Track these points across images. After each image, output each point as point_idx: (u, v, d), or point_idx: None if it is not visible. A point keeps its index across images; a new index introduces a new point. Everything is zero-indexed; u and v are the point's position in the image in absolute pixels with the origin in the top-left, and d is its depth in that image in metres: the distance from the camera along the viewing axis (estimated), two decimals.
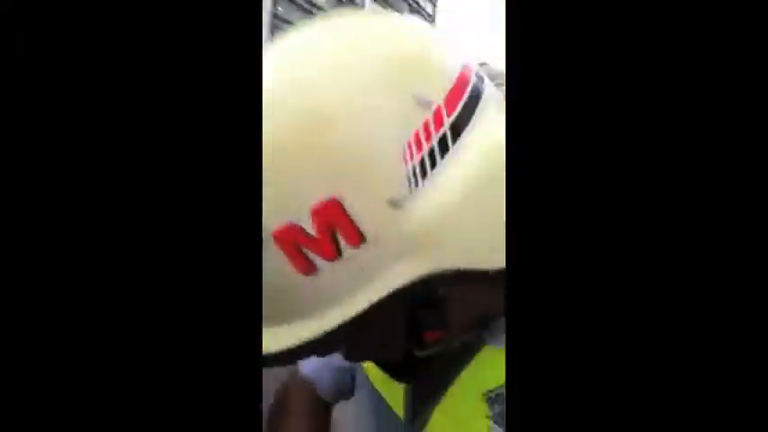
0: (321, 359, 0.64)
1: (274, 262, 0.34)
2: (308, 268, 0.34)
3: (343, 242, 0.33)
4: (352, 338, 0.37)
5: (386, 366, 0.47)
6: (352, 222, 0.33)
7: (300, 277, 0.34)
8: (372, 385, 0.53)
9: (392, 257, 0.34)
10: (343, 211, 0.33)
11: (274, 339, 0.36)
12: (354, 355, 0.43)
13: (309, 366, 0.66)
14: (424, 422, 0.46)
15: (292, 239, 0.33)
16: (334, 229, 0.33)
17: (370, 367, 0.54)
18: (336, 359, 0.61)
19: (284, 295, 0.35)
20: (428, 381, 0.46)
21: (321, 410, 0.66)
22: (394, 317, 0.38)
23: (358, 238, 0.33)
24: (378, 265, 0.34)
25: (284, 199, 0.33)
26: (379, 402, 0.52)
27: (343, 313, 0.35)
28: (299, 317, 0.36)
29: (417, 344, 0.39)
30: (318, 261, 0.34)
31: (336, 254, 0.33)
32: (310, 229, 0.33)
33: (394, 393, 0.50)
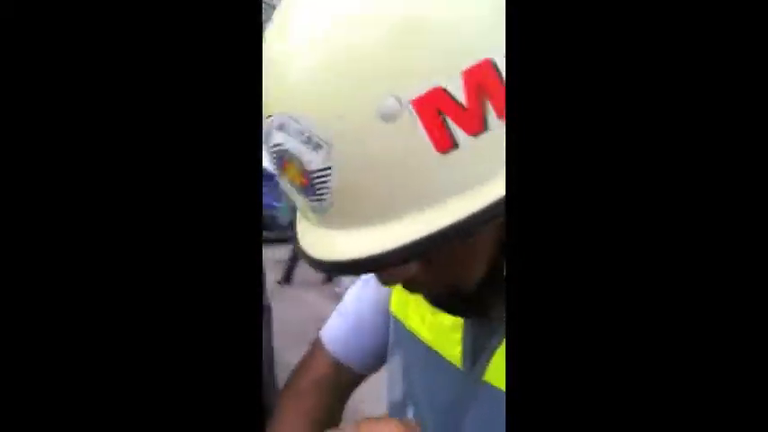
0: (346, 328, 0.61)
1: (406, 136, 0.29)
2: (449, 143, 0.29)
3: (492, 113, 0.30)
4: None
5: (442, 301, 0.42)
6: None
7: (434, 156, 0.30)
8: (417, 339, 0.50)
9: None
10: (497, 73, 0.29)
11: (382, 237, 0.31)
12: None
13: (330, 334, 0.63)
14: (484, 368, 0.43)
15: (437, 107, 0.29)
16: (485, 95, 0.29)
17: (413, 321, 0.52)
18: (366, 339, 0.60)
19: (407, 180, 0.30)
20: (486, 322, 0.43)
21: (338, 376, 0.62)
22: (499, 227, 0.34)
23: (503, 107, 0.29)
24: None
25: (431, 59, 0.28)
26: (427, 355, 0.49)
27: (467, 207, 0.30)
28: (416, 208, 0.31)
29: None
30: (460, 135, 0.29)
31: (483, 127, 0.30)
32: (459, 95, 0.29)
33: (448, 343, 0.47)
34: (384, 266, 0.33)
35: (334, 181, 0.31)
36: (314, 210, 0.34)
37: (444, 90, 0.29)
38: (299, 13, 0.31)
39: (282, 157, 0.32)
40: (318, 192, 0.32)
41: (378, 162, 0.30)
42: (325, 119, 0.30)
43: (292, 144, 0.31)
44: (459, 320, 0.46)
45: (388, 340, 0.58)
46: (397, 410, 0.53)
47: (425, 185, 0.31)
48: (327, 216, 0.33)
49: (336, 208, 0.32)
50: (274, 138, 0.32)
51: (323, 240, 0.34)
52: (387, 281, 0.38)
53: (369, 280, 0.62)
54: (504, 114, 0.30)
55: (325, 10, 0.30)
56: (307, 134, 0.30)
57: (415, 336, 0.52)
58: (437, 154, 0.30)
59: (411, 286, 0.40)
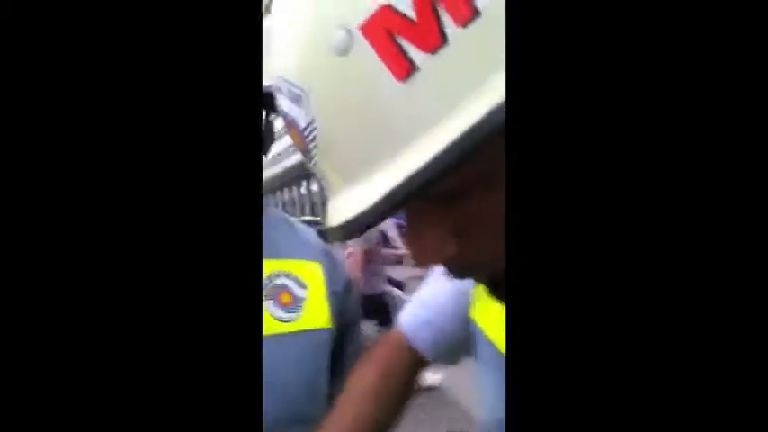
0: (423, 316, 0.60)
1: (363, 67, 0.27)
2: (406, 68, 0.27)
3: (449, 22, 0.26)
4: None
5: (497, 287, 0.39)
6: None
7: (395, 86, 0.27)
8: (492, 344, 0.48)
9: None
10: None
11: (364, 193, 0.30)
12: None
13: (407, 321, 0.61)
14: None
15: (386, 28, 0.26)
16: (438, 3, 0.26)
17: (486, 324, 0.50)
18: (439, 318, 0.59)
19: (376, 119, 0.28)
20: None
21: (406, 363, 0.60)
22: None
23: (469, 10, 0.26)
24: (492, 60, 0.26)
25: None
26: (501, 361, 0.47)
27: (443, 138, 0.27)
28: (392, 152, 0.29)
29: None
30: (418, 56, 0.27)
31: (441, 40, 0.26)
32: (407, 9, 0.26)
33: None
34: (371, 224, 0.30)
35: (318, 134, 0.30)
36: (317, 173, 0.33)
37: (390, 7, 0.26)
38: None
39: (287, 123, 0.32)
40: (313, 150, 0.31)
41: (343, 102, 0.29)
42: (297, 68, 0.30)
43: (286, 104, 0.31)
44: None
45: (460, 332, 0.56)
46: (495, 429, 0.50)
47: (396, 121, 0.28)
48: (329, 179, 0.33)
49: (326, 168, 0.32)
50: (279, 105, 0.32)
51: (331, 209, 0.33)
52: (423, 260, 0.36)
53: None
54: (465, 23, 0.26)
55: None
56: (291, 89, 0.30)
57: (489, 341, 0.49)
58: (398, 83, 0.27)
59: (457, 268, 0.37)
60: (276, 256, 0.58)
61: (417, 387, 0.64)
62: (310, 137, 0.31)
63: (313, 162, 0.32)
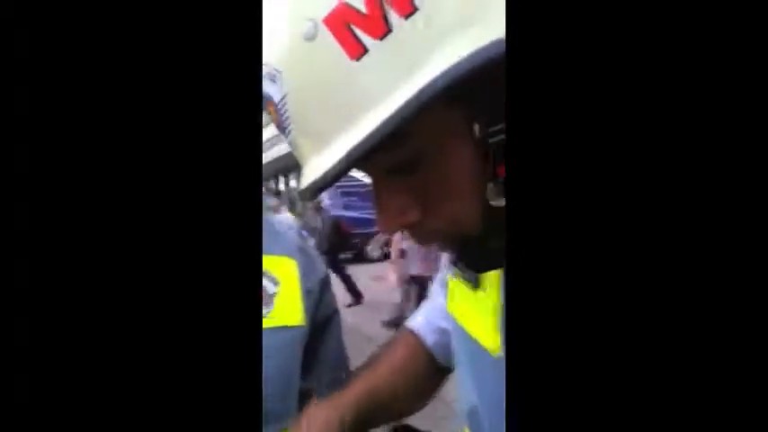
0: (426, 318, 0.63)
1: (325, 51, 0.34)
2: (359, 50, 0.33)
3: (393, 15, 0.33)
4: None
5: (459, 253, 0.45)
6: None
7: (350, 64, 0.33)
8: (464, 332, 0.51)
9: (446, 33, 0.33)
10: None
11: (327, 157, 0.35)
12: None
13: (414, 321, 0.65)
14: None
15: (344, 20, 0.33)
16: (384, 0, 0.33)
17: (462, 317, 0.52)
18: (439, 319, 0.61)
19: (336, 93, 0.34)
20: None
21: (416, 359, 0.63)
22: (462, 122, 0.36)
23: (410, 6, 0.33)
24: (429, 45, 0.33)
25: None
26: (472, 347, 0.49)
27: (389, 107, 0.33)
28: (348, 121, 0.35)
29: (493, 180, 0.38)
30: (368, 41, 0.33)
31: (386, 29, 0.33)
32: (360, 5, 0.33)
33: (485, 331, 0.47)
34: (333, 181, 0.36)
35: (290, 109, 0.37)
36: (292, 144, 0.40)
37: (346, 4, 0.33)
38: None
39: (266, 101, 0.38)
40: (286, 123, 0.38)
41: (311, 79, 0.35)
42: (273, 51, 0.36)
43: (265, 82, 0.37)
44: (493, 301, 0.46)
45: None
46: (473, 418, 0.52)
47: (350, 94, 0.35)
48: (297, 151, 0.39)
49: (297, 139, 0.38)
50: (263, 87, 0.38)
51: (303, 172, 0.40)
52: (388, 226, 0.41)
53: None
54: (406, 16, 0.33)
55: None
56: (268, 70, 0.37)
57: (463, 329, 0.52)
58: (352, 62, 0.34)
59: (419, 234, 0.42)
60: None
61: (433, 390, 0.65)
62: (283, 110, 0.37)
63: (287, 134, 0.39)
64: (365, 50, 0.33)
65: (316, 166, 0.37)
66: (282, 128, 0.39)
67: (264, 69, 0.37)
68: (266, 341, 0.52)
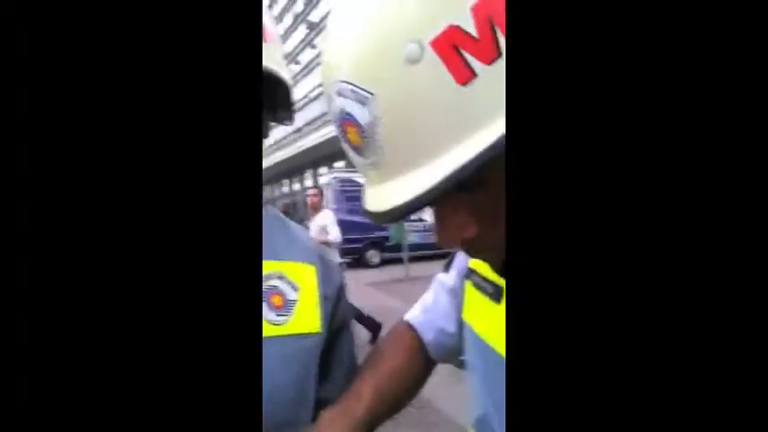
0: (426, 316, 0.64)
1: (430, 74, 0.33)
2: (467, 74, 0.33)
3: (502, 38, 0.32)
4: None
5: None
6: None
7: (456, 89, 0.33)
8: (481, 341, 0.51)
9: None
10: (504, 3, 0.32)
11: (418, 180, 0.35)
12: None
13: (413, 316, 0.67)
14: None
15: (452, 43, 0.32)
16: (496, 25, 0.32)
17: (476, 322, 0.53)
18: (440, 320, 0.63)
19: (437, 117, 0.34)
20: None
21: (416, 354, 0.64)
22: None
23: None
24: None
25: (441, 2, 0.33)
26: (490, 356, 0.50)
27: (490, 136, 0.33)
28: (448, 145, 0.34)
29: None
30: (477, 66, 0.33)
31: (496, 53, 0.32)
32: (471, 29, 0.32)
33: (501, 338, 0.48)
34: (419, 207, 0.36)
35: (381, 131, 0.36)
36: (370, 166, 0.39)
37: (457, 27, 0.32)
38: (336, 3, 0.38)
39: (343, 121, 0.38)
40: (370, 146, 0.37)
41: (409, 103, 0.34)
42: (366, 73, 0.35)
43: (348, 104, 0.36)
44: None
45: (457, 332, 0.61)
46: (482, 426, 0.52)
47: (453, 119, 0.34)
48: (378, 172, 0.38)
49: (383, 161, 0.37)
50: (337, 105, 0.38)
51: (377, 195, 0.39)
52: (447, 241, 0.41)
53: (452, 267, 0.65)
54: None
55: None
56: (355, 92, 0.36)
57: (479, 337, 0.53)
58: (458, 86, 0.33)
59: (474, 248, 0.43)
60: (270, 256, 0.57)
61: (423, 383, 0.66)
62: (369, 133, 0.36)
63: (366, 156, 0.38)
64: (474, 75, 0.33)
65: (402, 189, 0.36)
66: (361, 150, 0.38)
67: (346, 89, 0.36)
68: (285, 348, 0.54)
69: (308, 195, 4.53)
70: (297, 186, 25.77)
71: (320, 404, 0.57)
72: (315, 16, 23.62)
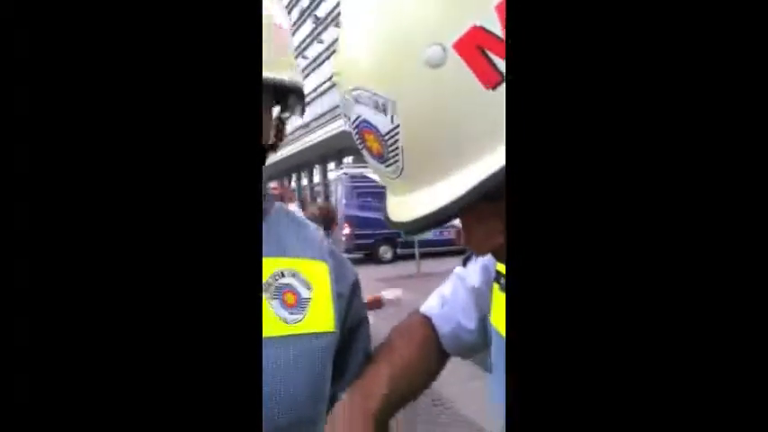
0: (443, 309, 0.64)
1: (454, 78, 0.31)
2: (495, 77, 0.31)
3: None
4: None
5: None
6: None
7: (483, 93, 0.31)
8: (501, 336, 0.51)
9: None
10: None
11: (443, 191, 0.34)
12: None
13: (429, 308, 0.66)
14: None
15: (478, 45, 0.31)
16: None
17: (501, 324, 0.53)
18: (458, 313, 0.62)
19: (462, 124, 0.32)
20: None
21: (431, 345, 0.63)
22: None
23: None
24: None
25: (464, 2, 0.31)
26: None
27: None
28: (475, 154, 0.32)
29: None
30: (504, 67, 0.30)
31: None
32: (496, 29, 0.30)
33: None
34: (445, 219, 0.35)
35: (402, 140, 0.34)
36: (392, 175, 0.37)
37: (481, 27, 0.31)
38: (349, 3, 0.37)
39: (362, 129, 0.36)
40: (392, 154, 0.35)
41: (434, 110, 0.32)
42: (385, 79, 0.33)
43: (366, 111, 0.35)
44: None
45: (476, 329, 0.61)
46: None
47: (481, 126, 0.32)
48: (403, 181, 0.37)
49: (407, 170, 0.36)
50: (354, 112, 0.36)
51: (401, 204, 0.38)
52: (476, 248, 0.40)
53: (472, 263, 0.64)
54: None
55: None
56: (374, 98, 0.34)
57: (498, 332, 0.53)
58: (486, 90, 0.31)
59: (503, 256, 0.40)
60: (282, 254, 0.56)
61: (437, 374, 0.65)
62: (390, 141, 0.35)
63: (388, 164, 0.36)
64: (501, 78, 0.31)
65: (427, 199, 0.35)
66: (384, 158, 0.36)
67: (364, 95, 0.35)
68: (299, 347, 0.53)
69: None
70: (305, 182, 25.84)
71: (333, 402, 0.57)
72: (322, 11, 23.62)
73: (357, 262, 7.30)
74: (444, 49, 0.31)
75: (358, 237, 8.32)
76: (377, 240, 8.59)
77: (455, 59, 0.31)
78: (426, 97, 0.32)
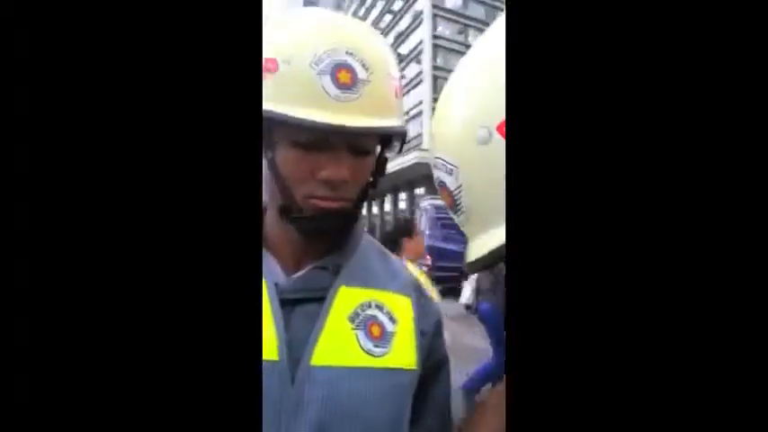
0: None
1: (498, 154, 0.39)
2: None
3: None
4: None
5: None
6: None
7: None
8: None
9: None
10: None
11: (493, 237, 0.42)
12: None
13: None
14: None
15: None
16: None
17: None
18: None
19: (498, 189, 0.39)
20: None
21: None
22: None
23: None
24: None
25: (503, 94, 0.38)
26: None
27: None
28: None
29: None
30: None
31: None
32: None
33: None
34: (494, 261, 0.43)
35: (464, 196, 0.45)
36: (461, 223, 0.47)
37: None
38: (451, 83, 0.48)
39: (440, 187, 0.47)
40: (458, 206, 0.46)
41: (483, 176, 0.42)
42: (451, 150, 0.45)
43: (441, 175, 0.46)
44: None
45: None
46: None
47: None
48: (467, 229, 0.47)
49: (468, 220, 0.46)
50: (435, 174, 0.48)
51: (469, 248, 0.47)
52: None
53: None
54: None
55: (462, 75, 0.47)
56: (444, 164, 0.45)
57: None
58: None
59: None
60: (370, 285, 0.55)
61: None
62: (457, 197, 0.45)
63: (459, 214, 0.47)
64: None
65: (483, 244, 0.43)
66: (455, 209, 0.46)
67: (440, 163, 0.46)
68: (381, 383, 0.50)
69: None
70: (375, 210, 26.23)
71: None
72: (404, 49, 24.43)
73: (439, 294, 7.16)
74: (489, 132, 0.40)
75: (439, 269, 8.25)
76: (460, 274, 8.47)
77: (497, 139, 0.40)
78: (477, 167, 0.42)
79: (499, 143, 0.40)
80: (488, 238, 0.43)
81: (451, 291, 8.53)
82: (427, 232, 8.31)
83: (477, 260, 0.44)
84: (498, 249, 0.41)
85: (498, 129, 0.40)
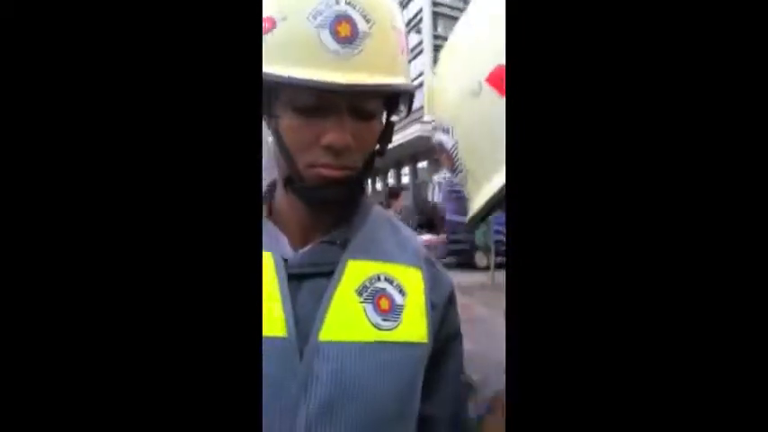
0: None
1: (489, 104, 0.41)
2: None
3: None
4: None
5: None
6: None
7: None
8: None
9: None
10: None
11: (490, 188, 0.43)
12: None
13: None
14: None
15: (501, 78, 0.41)
16: None
17: None
18: None
19: (492, 142, 0.42)
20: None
21: None
22: None
23: None
24: None
25: (496, 45, 0.40)
26: None
27: None
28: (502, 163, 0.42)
29: None
30: None
31: None
32: None
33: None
34: (489, 212, 0.45)
35: (461, 152, 0.46)
36: (462, 183, 0.48)
37: (502, 65, 0.41)
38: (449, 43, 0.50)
39: (439, 149, 0.48)
40: (457, 165, 0.46)
41: (478, 128, 0.43)
42: (446, 109, 0.46)
43: (439, 135, 0.47)
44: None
45: None
46: None
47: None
48: (468, 188, 0.47)
49: (467, 178, 0.46)
50: (435, 137, 0.48)
51: (470, 207, 0.48)
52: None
53: None
54: None
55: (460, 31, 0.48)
56: (441, 124, 0.47)
57: None
58: None
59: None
60: (379, 258, 0.53)
61: None
62: (455, 156, 0.46)
63: (458, 174, 0.47)
64: None
65: (478, 199, 0.45)
66: (455, 170, 0.48)
67: (441, 125, 0.47)
68: (390, 356, 0.49)
69: None
70: (378, 186, 26.10)
71: (423, 423, 0.54)
72: (403, 18, 23.79)
73: (450, 266, 7.18)
74: (480, 84, 0.42)
75: (453, 242, 8.28)
76: (472, 246, 8.48)
77: (487, 90, 0.42)
78: (472, 120, 0.43)
79: (489, 94, 0.42)
80: (484, 191, 0.44)
81: (464, 263, 8.57)
82: (441, 206, 8.30)
83: (475, 215, 0.46)
84: (492, 198, 0.43)
85: (487, 80, 0.42)
